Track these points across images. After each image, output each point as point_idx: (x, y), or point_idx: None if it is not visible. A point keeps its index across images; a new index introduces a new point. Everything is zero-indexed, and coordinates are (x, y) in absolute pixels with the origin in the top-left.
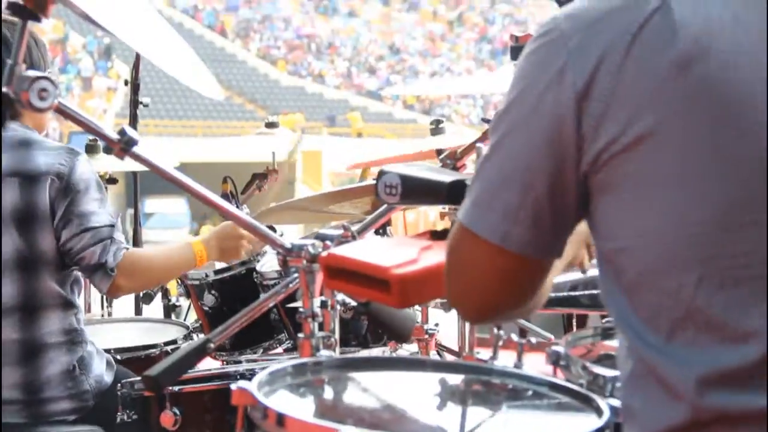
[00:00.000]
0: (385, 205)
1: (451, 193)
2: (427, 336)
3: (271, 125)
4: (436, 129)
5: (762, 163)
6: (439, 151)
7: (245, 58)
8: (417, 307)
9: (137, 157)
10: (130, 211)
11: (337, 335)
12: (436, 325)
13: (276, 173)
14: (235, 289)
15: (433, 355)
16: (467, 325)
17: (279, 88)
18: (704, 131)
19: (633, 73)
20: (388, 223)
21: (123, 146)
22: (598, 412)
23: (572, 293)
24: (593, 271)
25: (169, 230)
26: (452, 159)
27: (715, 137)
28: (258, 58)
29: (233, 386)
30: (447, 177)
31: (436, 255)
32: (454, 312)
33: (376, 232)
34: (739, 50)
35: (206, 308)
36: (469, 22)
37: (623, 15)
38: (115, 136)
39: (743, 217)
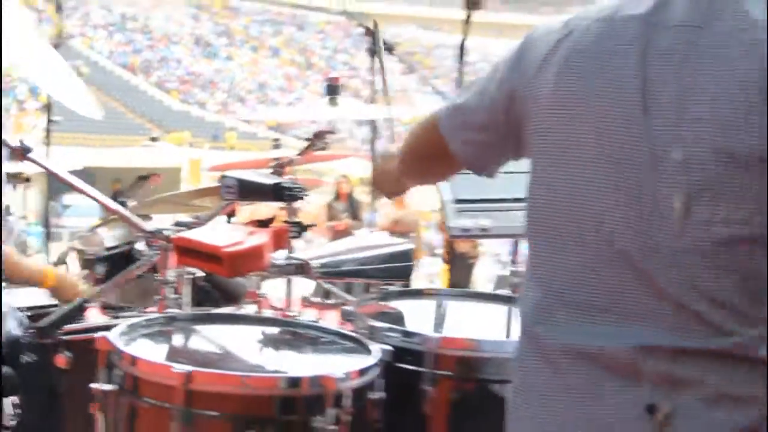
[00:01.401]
0: (226, 201)
1: (274, 192)
2: (260, 298)
3: (153, 139)
4: (275, 145)
5: None
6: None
7: (146, 88)
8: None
9: (33, 161)
10: (52, 203)
11: (188, 298)
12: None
13: (158, 177)
14: (119, 261)
15: (265, 314)
16: (292, 290)
17: (171, 112)
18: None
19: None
20: (233, 213)
21: (22, 153)
22: (372, 353)
23: (364, 267)
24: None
25: (83, 218)
26: (280, 167)
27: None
28: (156, 88)
29: (97, 335)
30: (271, 180)
31: (258, 238)
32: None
33: (228, 220)
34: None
35: (98, 276)
36: (316, 66)
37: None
38: (16, 145)
39: None
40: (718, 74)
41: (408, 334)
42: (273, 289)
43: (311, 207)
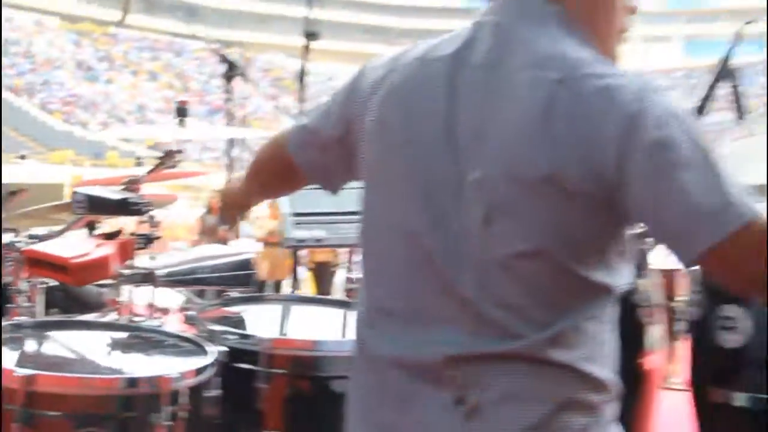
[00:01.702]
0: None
1: (120, 207)
2: (119, 305)
3: (22, 157)
4: (138, 163)
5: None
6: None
7: (29, 109)
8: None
9: None
10: None
11: (41, 306)
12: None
13: (26, 192)
14: None
15: (126, 320)
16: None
17: (54, 132)
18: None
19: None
20: (93, 224)
21: None
22: (208, 354)
23: (206, 275)
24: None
25: None
26: (131, 184)
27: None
28: (40, 109)
29: None
30: (118, 196)
31: (104, 250)
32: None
33: (90, 232)
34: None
35: None
36: (192, 90)
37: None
38: None
39: None
40: (508, 107)
41: (244, 336)
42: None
43: (187, 220)
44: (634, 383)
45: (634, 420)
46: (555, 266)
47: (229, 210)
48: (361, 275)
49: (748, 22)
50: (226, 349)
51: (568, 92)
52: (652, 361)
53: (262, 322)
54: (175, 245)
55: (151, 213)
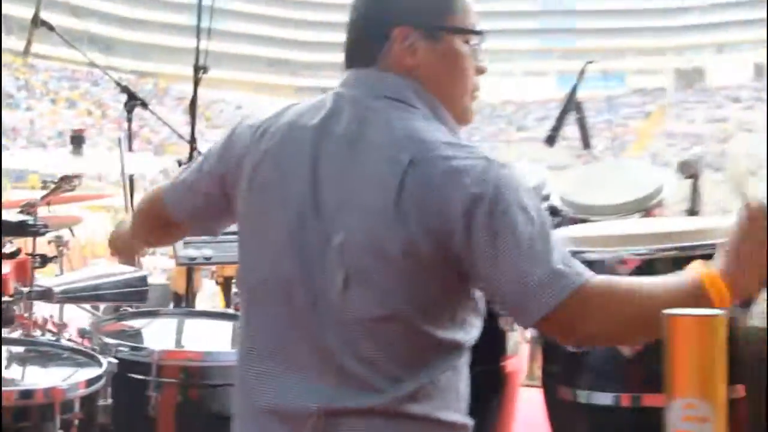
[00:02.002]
0: None
1: (18, 228)
2: (26, 321)
3: None
4: (43, 186)
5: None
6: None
7: None
8: None
9: None
10: None
11: None
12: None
13: None
14: None
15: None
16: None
17: None
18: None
19: None
20: None
21: None
22: (102, 365)
23: (101, 291)
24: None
25: None
26: (29, 206)
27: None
28: None
29: None
30: (16, 218)
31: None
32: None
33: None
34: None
35: None
36: (110, 117)
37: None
38: None
39: None
40: (367, 182)
41: (136, 348)
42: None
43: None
44: (498, 384)
45: (498, 417)
46: (410, 328)
47: (122, 255)
48: (242, 320)
49: (589, 62)
50: (116, 360)
51: (419, 173)
52: (513, 363)
53: (157, 335)
54: (95, 262)
55: (58, 233)
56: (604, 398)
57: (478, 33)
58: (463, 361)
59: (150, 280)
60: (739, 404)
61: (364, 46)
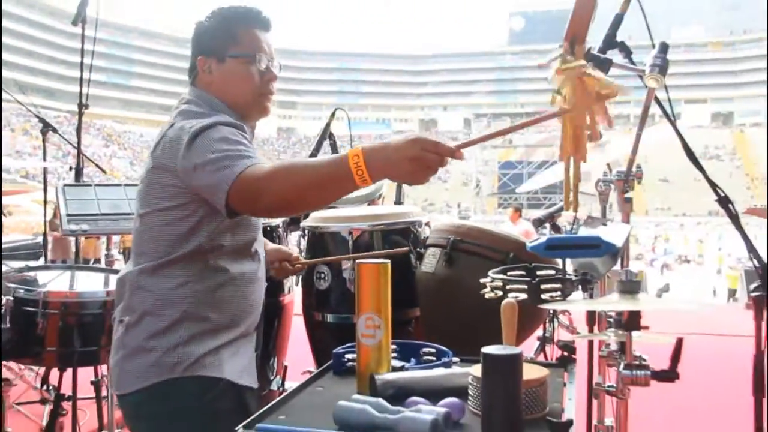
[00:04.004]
0: None
1: None
2: None
3: None
4: None
5: None
6: None
7: None
8: None
9: None
10: None
11: None
12: None
13: None
14: None
15: None
16: None
17: None
18: None
19: None
20: None
21: None
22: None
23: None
24: None
25: None
26: None
27: None
28: None
29: None
30: None
31: None
32: None
33: None
34: None
35: None
36: (53, 140)
37: None
38: None
39: None
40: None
41: (28, 290)
42: None
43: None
44: (276, 315)
45: (278, 334)
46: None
47: None
48: None
49: (337, 108)
50: (13, 298)
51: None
52: (288, 298)
53: (50, 281)
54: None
55: None
56: (340, 318)
57: (252, 56)
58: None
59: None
60: (417, 320)
61: (190, 70)
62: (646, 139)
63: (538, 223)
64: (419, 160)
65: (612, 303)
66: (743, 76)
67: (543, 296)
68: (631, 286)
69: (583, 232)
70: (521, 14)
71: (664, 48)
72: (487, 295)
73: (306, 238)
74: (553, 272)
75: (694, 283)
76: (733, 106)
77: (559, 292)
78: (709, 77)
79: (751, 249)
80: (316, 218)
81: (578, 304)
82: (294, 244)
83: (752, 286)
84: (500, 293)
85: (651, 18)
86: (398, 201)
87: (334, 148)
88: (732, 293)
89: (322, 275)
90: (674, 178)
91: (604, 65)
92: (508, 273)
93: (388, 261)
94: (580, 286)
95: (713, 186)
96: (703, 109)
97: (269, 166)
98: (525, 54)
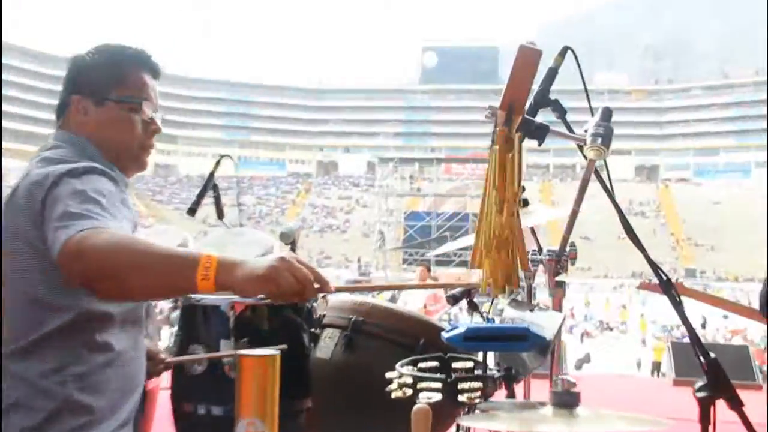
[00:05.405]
0: None
1: None
2: None
3: None
4: None
5: None
6: None
7: None
8: None
9: None
10: None
11: None
12: None
13: None
14: None
15: None
16: None
17: None
18: None
19: None
20: None
21: None
22: None
23: None
24: None
25: None
26: None
27: None
28: None
29: None
30: None
31: None
32: None
33: None
34: None
35: None
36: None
37: None
38: None
39: None
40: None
41: None
42: None
43: None
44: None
45: (143, 425)
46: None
47: None
48: None
49: (223, 156)
50: None
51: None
52: (153, 383)
53: None
54: None
55: None
56: (217, 411)
57: (138, 103)
58: None
59: None
60: (309, 411)
61: (58, 110)
62: (568, 191)
63: (453, 300)
64: (274, 282)
65: (545, 420)
66: (668, 128)
67: (460, 397)
68: (568, 399)
69: (508, 313)
70: (434, 50)
71: (608, 115)
72: (394, 394)
73: (179, 311)
74: (471, 365)
75: (617, 354)
76: (658, 159)
77: (479, 393)
78: (633, 127)
79: (698, 343)
80: None
81: (502, 423)
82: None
83: (697, 385)
84: (410, 391)
85: (572, 64)
86: None
87: (217, 201)
88: (656, 366)
89: (198, 354)
90: (596, 236)
91: (540, 133)
92: (419, 365)
93: (277, 353)
94: (503, 384)
95: (654, 267)
96: (627, 162)
97: (107, 234)
98: (437, 93)
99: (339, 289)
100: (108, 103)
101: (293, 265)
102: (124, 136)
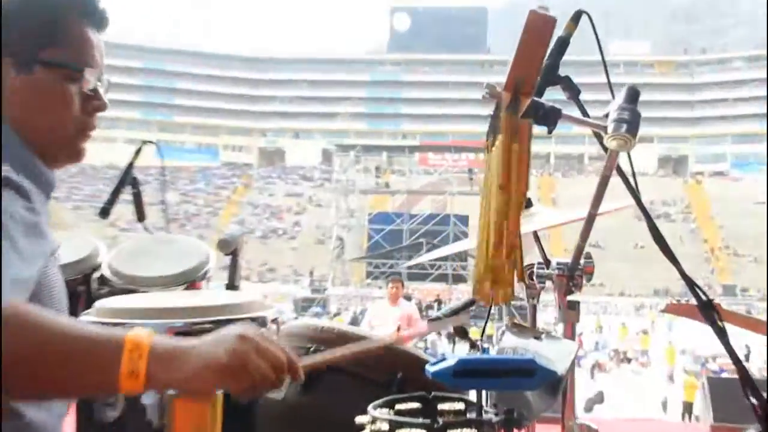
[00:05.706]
0: None
1: None
2: None
3: None
4: None
5: None
6: None
7: None
8: None
9: None
10: None
11: None
12: None
13: None
14: None
15: None
16: None
17: None
18: None
19: None
20: None
21: None
22: None
23: None
24: None
25: None
26: None
27: None
28: None
29: None
30: None
31: None
32: None
33: None
34: None
35: None
36: None
37: None
38: None
39: None
40: None
41: None
42: None
43: None
44: None
45: None
46: None
47: None
48: None
49: (146, 142)
50: None
51: None
52: None
53: None
54: None
55: None
56: None
57: (76, 69)
58: None
59: None
60: None
61: None
62: (573, 188)
63: (458, 333)
64: (243, 372)
65: None
66: (700, 109)
67: None
68: None
69: (507, 341)
70: (407, 10)
71: (634, 96)
72: None
73: None
74: (462, 407)
75: (637, 392)
76: (687, 148)
77: None
78: (656, 108)
79: (747, 380)
80: (107, 310)
81: None
82: None
83: None
84: None
85: (584, 30)
86: (232, 284)
87: (137, 199)
88: (688, 408)
89: (110, 399)
90: (608, 244)
91: (552, 119)
92: (397, 407)
93: (219, 393)
94: (503, 431)
95: (692, 285)
96: (648, 151)
97: (11, 303)
98: (409, 64)
99: (308, 367)
100: (35, 67)
101: (260, 345)
102: (56, 114)
